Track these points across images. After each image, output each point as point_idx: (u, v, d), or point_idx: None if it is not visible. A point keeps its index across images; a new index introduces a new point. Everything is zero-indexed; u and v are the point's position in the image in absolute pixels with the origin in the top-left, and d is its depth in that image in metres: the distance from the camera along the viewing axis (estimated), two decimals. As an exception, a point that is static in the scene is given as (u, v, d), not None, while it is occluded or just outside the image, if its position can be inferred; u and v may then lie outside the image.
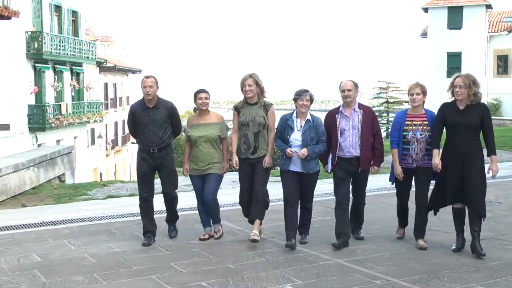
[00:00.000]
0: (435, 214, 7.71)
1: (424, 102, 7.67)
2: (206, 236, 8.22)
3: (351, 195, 8.00)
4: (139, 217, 8.39)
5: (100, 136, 40.91)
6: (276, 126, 8.01)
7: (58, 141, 31.46)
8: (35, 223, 9.64)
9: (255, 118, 7.94)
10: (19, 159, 16.14)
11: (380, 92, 61.61)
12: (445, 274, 6.51)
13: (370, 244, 7.81)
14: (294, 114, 7.75)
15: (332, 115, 7.92)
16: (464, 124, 7.15)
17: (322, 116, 8.07)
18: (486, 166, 7.25)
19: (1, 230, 9.23)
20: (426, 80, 43.33)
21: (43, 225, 9.51)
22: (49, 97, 31.78)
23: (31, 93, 29.27)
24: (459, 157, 7.18)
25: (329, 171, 7.90)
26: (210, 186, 8.11)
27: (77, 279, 6.58)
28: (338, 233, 7.75)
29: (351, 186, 7.96)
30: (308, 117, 7.69)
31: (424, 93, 7.60)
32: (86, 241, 8.31)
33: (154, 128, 8.02)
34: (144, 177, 8.16)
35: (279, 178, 8.21)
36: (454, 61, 44.11)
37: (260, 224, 8.06)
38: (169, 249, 7.75)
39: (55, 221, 9.79)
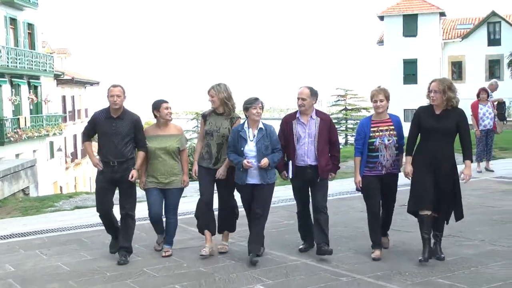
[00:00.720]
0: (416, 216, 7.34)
1: (387, 107, 7.44)
2: (161, 248, 8.08)
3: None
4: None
5: (59, 149, 40.68)
6: (228, 139, 7.64)
7: (17, 155, 31.22)
8: (5, 235, 9.74)
9: (220, 128, 7.75)
10: (-18, 173, 16.11)
11: (338, 100, 62.51)
12: (406, 270, 6.84)
13: (335, 244, 8.04)
14: (246, 125, 7.47)
15: (288, 121, 7.64)
16: (440, 129, 6.99)
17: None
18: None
19: (-29, 242, 9.29)
20: (383, 87, 44.26)
21: (13, 237, 9.63)
22: (7, 111, 31.59)
23: (-11, 107, 29.06)
24: (431, 163, 7.00)
25: (291, 178, 7.62)
26: (171, 201, 7.91)
27: (53, 286, 6.74)
28: (303, 236, 7.90)
29: (311, 194, 7.72)
30: (260, 125, 7.44)
31: (387, 98, 7.37)
32: (57, 250, 8.44)
33: (115, 139, 7.59)
34: (102, 190, 7.76)
35: None
36: (410, 67, 45.19)
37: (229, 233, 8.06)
38: (140, 255, 7.93)
39: (24, 233, 9.92)
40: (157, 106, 7.84)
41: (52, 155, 39.60)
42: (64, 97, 44.54)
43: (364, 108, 58.58)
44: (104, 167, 7.65)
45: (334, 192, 12.01)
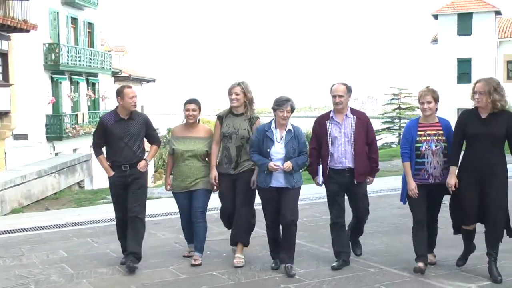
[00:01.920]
0: (455, 233, 6.98)
1: (436, 109, 6.82)
2: (192, 254, 7.63)
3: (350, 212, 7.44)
4: (155, 218, 8.94)
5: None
6: (252, 139, 7.20)
7: (74, 150, 32.30)
8: (59, 224, 10.47)
9: (238, 130, 7.31)
10: (42, 166, 17.03)
11: (393, 99, 62.22)
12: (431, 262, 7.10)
13: (369, 238, 8.38)
14: (273, 124, 7.01)
15: (322, 121, 7.18)
16: (487, 134, 6.35)
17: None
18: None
19: (29, 230, 10.08)
20: (436, 86, 43.75)
21: (67, 226, 10.35)
22: (66, 107, 32.70)
23: (49, 103, 30.20)
24: (478, 173, 6.40)
25: (321, 184, 7.17)
26: (199, 203, 7.48)
27: (101, 270, 7.31)
28: (336, 252, 7.26)
29: (349, 201, 7.34)
30: (289, 127, 6.99)
31: (435, 99, 6.76)
32: (107, 239, 9.04)
33: (129, 141, 7.32)
34: (117, 196, 7.53)
35: None
36: (464, 67, 44.60)
37: (244, 247, 7.47)
38: (183, 244, 8.36)
39: (78, 222, 10.61)
40: (183, 106, 7.49)
41: (107, 150, 40.64)
42: (121, 94, 45.60)
43: (417, 107, 57.98)
44: (116, 172, 7.38)
45: (374, 189, 12.30)
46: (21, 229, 10.32)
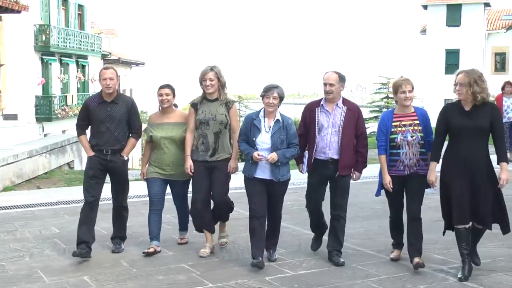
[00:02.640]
0: (443, 234, 6.77)
1: (412, 99, 6.61)
2: (151, 250, 7.35)
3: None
4: (145, 198, 8.99)
5: (104, 127, 41.83)
6: (240, 127, 7.05)
7: (63, 131, 32.42)
8: (51, 202, 10.85)
9: (216, 116, 7.09)
10: (33, 146, 17.30)
11: (381, 88, 62.54)
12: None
13: (348, 222, 8.40)
14: (261, 113, 6.78)
15: (311, 108, 6.96)
16: (471, 127, 6.17)
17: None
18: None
19: (22, 207, 10.44)
20: (424, 76, 44.44)
21: (59, 204, 10.71)
22: (56, 89, 32.78)
23: (38, 84, 30.31)
24: (465, 167, 6.20)
25: (304, 172, 7.03)
26: (179, 193, 7.57)
27: (92, 246, 7.56)
28: (315, 246, 7.41)
29: (329, 195, 7.12)
30: (278, 116, 6.72)
31: (413, 88, 6.61)
32: (97, 217, 9.32)
33: (111, 125, 7.15)
34: (93, 179, 7.28)
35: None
36: (452, 58, 45.01)
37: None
38: (169, 224, 8.68)
39: (69, 201, 10.97)
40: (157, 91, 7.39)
41: (96, 132, 40.82)
42: (111, 76, 45.77)
43: (405, 97, 58.57)
44: (96, 154, 7.22)
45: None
46: (14, 206, 10.71)
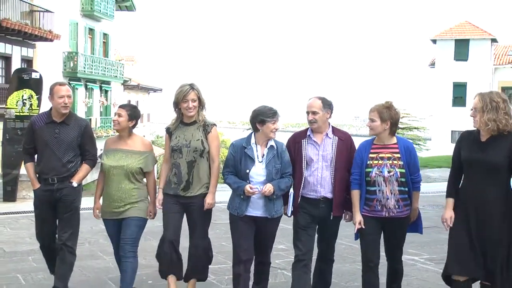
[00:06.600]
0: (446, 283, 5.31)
1: (395, 130, 5.65)
2: None
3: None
4: None
5: (124, 149, 43.41)
6: (226, 157, 5.92)
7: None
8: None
9: (190, 142, 5.93)
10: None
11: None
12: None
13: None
14: (252, 140, 5.77)
15: (296, 140, 5.93)
16: (481, 162, 5.00)
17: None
18: None
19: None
20: (432, 108, 45.86)
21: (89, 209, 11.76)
22: (80, 112, 34.50)
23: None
24: (474, 208, 5.05)
25: (289, 215, 5.87)
26: (127, 234, 5.96)
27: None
28: None
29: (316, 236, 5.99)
30: (271, 142, 5.74)
31: (383, 119, 5.55)
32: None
33: (58, 150, 5.98)
34: (39, 217, 6.20)
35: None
36: (459, 90, 45.98)
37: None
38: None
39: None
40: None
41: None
42: (129, 102, 47.54)
43: (415, 128, 59.69)
44: (42, 186, 6.05)
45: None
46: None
